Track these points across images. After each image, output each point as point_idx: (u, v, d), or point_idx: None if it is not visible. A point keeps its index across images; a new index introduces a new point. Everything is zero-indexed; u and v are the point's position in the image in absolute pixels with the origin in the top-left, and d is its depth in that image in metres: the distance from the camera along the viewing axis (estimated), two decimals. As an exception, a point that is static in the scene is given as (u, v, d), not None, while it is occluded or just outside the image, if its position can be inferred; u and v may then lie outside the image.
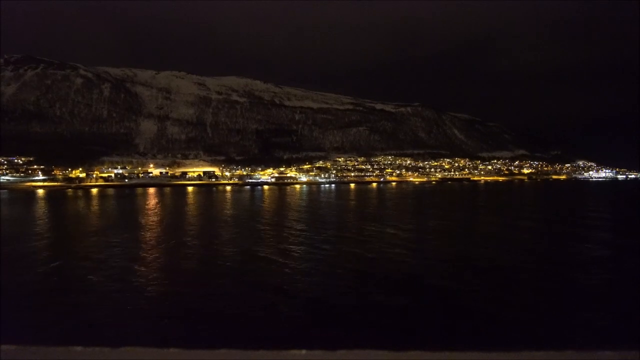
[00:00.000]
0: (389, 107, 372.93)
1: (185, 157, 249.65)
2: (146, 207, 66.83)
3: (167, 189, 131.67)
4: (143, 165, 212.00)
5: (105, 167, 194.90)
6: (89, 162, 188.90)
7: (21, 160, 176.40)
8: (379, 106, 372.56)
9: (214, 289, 18.77)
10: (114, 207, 66.88)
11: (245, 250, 28.14)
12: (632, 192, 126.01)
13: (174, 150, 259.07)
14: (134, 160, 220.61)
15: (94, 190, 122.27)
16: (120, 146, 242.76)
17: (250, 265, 23.71)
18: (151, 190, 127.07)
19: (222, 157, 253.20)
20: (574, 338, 13.26)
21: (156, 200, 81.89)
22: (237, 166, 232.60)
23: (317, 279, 20.93)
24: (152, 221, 45.84)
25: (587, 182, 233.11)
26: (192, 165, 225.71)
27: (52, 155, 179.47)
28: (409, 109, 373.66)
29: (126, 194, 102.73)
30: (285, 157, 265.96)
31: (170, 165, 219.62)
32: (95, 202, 79.40)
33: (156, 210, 60.38)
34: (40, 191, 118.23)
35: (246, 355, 1.75)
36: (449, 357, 1.75)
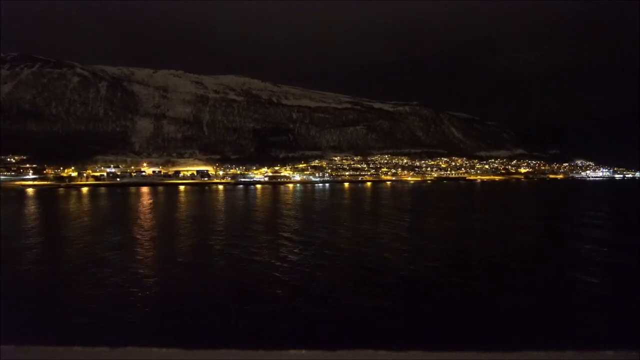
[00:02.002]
0: (387, 106, 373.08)
1: (181, 155, 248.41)
2: (129, 206, 66.08)
3: (160, 188, 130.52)
4: (137, 164, 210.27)
5: (99, 165, 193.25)
6: (82, 161, 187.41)
7: (14, 159, 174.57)
8: (376, 105, 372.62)
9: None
10: (95, 207, 65.38)
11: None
12: (628, 190, 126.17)
13: (169, 149, 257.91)
14: (128, 159, 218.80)
15: (84, 190, 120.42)
16: (116, 145, 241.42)
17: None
18: (144, 189, 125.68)
19: (218, 156, 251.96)
20: (574, 338, 13.02)
21: (146, 200, 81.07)
22: (232, 165, 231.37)
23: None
24: (131, 222, 44.97)
25: (583, 182, 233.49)
26: (186, 164, 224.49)
27: (47, 154, 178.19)
28: (407, 107, 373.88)
29: (117, 193, 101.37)
30: (281, 156, 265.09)
31: (165, 164, 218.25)
32: (79, 202, 77.92)
33: (140, 211, 59.71)
34: (30, 190, 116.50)
35: (246, 355, 1.74)
36: (449, 357, 1.74)
